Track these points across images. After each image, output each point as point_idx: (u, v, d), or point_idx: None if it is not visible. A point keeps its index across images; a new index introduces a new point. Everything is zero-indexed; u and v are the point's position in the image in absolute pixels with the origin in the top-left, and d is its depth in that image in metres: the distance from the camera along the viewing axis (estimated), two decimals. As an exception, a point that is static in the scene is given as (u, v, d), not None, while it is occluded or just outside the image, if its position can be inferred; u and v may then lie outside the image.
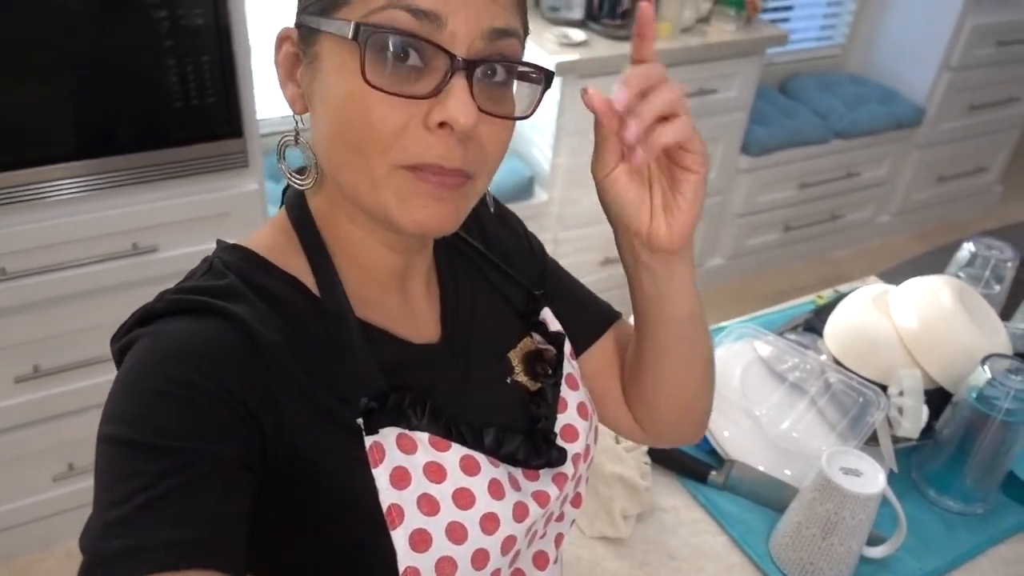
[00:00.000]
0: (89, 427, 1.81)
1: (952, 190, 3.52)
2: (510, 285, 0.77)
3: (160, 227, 1.71)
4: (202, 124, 1.65)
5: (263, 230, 0.67)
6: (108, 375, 1.76)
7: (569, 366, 0.76)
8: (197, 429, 0.52)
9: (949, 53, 3.03)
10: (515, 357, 0.74)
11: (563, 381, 0.74)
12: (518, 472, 0.68)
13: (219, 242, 0.67)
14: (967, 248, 1.29)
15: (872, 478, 0.96)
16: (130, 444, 0.51)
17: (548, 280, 0.81)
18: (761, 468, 1.12)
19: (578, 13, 2.44)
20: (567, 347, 0.77)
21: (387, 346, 0.65)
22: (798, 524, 0.99)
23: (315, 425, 0.59)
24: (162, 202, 1.69)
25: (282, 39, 0.61)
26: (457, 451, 0.64)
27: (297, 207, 0.66)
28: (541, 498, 0.68)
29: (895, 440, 1.13)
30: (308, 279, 0.63)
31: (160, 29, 1.52)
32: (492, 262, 0.76)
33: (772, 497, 1.09)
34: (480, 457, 0.65)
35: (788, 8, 3.16)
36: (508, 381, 0.73)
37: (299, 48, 0.60)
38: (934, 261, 1.58)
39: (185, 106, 1.61)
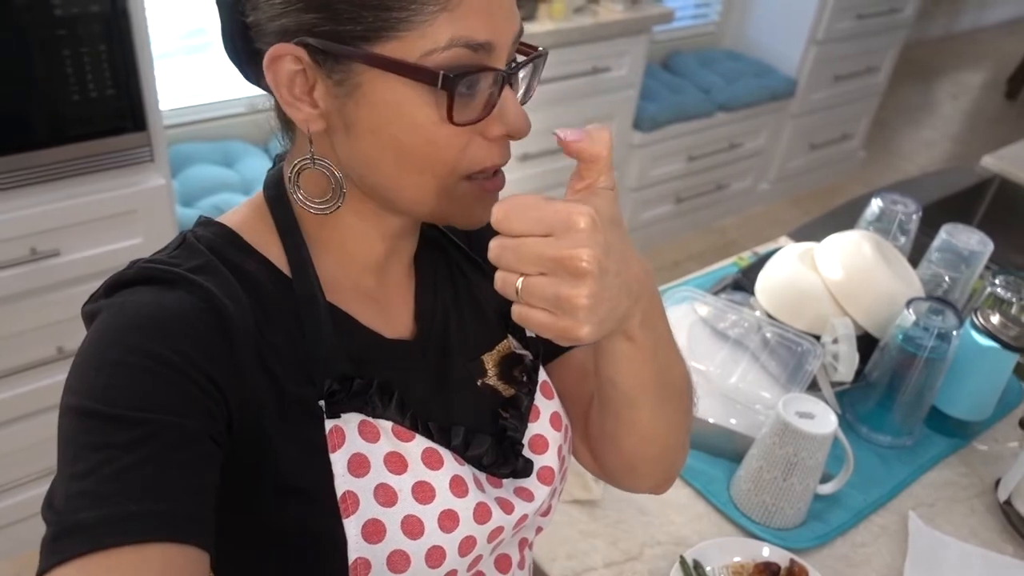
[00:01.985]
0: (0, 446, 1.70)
1: (822, 156, 3.75)
2: (486, 284, 0.72)
3: (61, 229, 1.60)
4: (102, 118, 1.56)
5: (239, 209, 0.66)
6: (15, 389, 1.66)
7: (545, 375, 0.75)
8: (161, 400, 0.51)
9: (815, 27, 3.22)
10: (490, 360, 0.73)
11: (538, 389, 0.73)
12: (482, 476, 0.67)
13: (200, 217, 0.65)
14: (875, 204, 1.39)
15: (824, 419, 1.03)
16: (93, 415, 0.50)
17: None
18: (711, 420, 1.17)
19: None
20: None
21: (356, 335, 0.64)
22: (759, 469, 1.05)
23: (277, 405, 0.58)
24: (62, 202, 1.58)
25: (277, 58, 0.55)
26: (420, 443, 0.63)
27: (274, 188, 0.64)
28: (505, 506, 0.67)
29: (831, 385, 1.21)
30: (279, 260, 0.63)
31: (52, 18, 1.42)
32: (473, 261, 0.75)
33: (727, 447, 1.15)
34: (444, 452, 0.64)
35: (665, -13, 3.27)
36: (479, 384, 0.71)
37: (311, 68, 0.55)
38: (832, 221, 1.69)
39: (83, 99, 1.52)
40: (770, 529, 1.06)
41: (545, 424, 0.72)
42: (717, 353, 1.22)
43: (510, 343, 0.75)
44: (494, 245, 0.52)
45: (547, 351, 0.77)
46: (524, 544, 0.76)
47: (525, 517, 0.69)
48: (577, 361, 0.78)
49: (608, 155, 0.56)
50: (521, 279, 0.51)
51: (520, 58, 0.60)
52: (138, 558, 0.47)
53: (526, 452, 0.70)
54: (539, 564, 1.00)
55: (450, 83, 0.53)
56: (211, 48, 2.30)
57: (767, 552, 1.01)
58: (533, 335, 0.76)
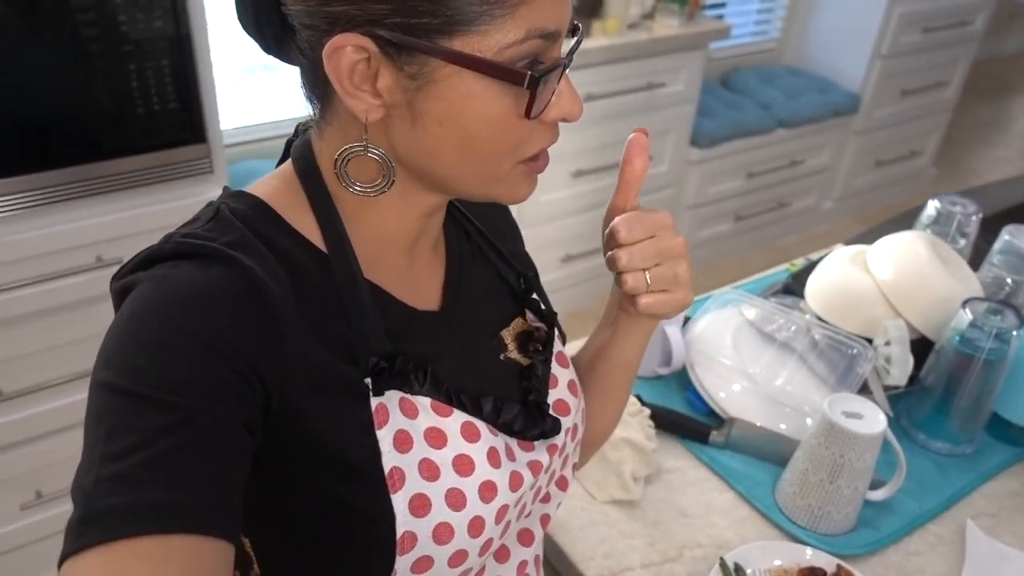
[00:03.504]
0: (59, 451, 1.76)
1: (889, 174, 3.65)
2: (503, 264, 0.78)
3: (125, 238, 1.67)
4: (164, 130, 1.63)
5: (267, 181, 0.64)
6: (77, 395, 1.72)
7: (559, 346, 0.78)
8: (198, 384, 0.51)
9: (880, 41, 3.15)
10: (508, 335, 0.75)
11: (553, 358, 0.76)
12: (513, 442, 0.68)
13: (225, 188, 0.65)
14: (932, 206, 1.34)
15: (873, 419, 0.99)
16: (128, 394, 0.49)
17: (532, 269, 0.84)
18: (757, 424, 1.14)
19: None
20: (555, 332, 0.79)
21: (392, 309, 0.65)
22: (804, 471, 1.02)
23: (320, 384, 0.58)
24: (125, 212, 1.65)
25: (337, 48, 0.54)
26: (458, 417, 0.64)
27: (304, 161, 0.63)
28: (535, 467, 0.69)
29: (883, 389, 1.16)
30: (315, 236, 0.62)
31: (118, 34, 1.49)
32: (488, 240, 0.78)
33: (772, 451, 1.12)
34: (480, 424, 0.65)
35: (722, 5, 3.25)
36: (502, 358, 0.73)
37: (377, 58, 0.54)
38: (892, 228, 1.64)
39: (146, 112, 1.58)
40: (817, 534, 1.02)
41: (564, 390, 0.75)
42: (763, 355, 1.19)
43: (525, 319, 0.77)
44: (621, 254, 0.67)
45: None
46: (546, 520, 0.77)
47: (548, 472, 0.72)
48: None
49: (644, 173, 0.71)
50: (647, 273, 0.68)
51: (569, 43, 0.62)
52: (162, 548, 0.46)
53: (552, 413, 0.72)
54: (575, 563, 0.98)
55: (535, 83, 0.55)
56: (275, 70, 2.37)
57: (810, 555, 0.97)
58: (549, 309, 0.79)
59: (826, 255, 1.40)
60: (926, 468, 1.13)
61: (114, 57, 1.50)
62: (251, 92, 2.33)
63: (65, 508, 1.85)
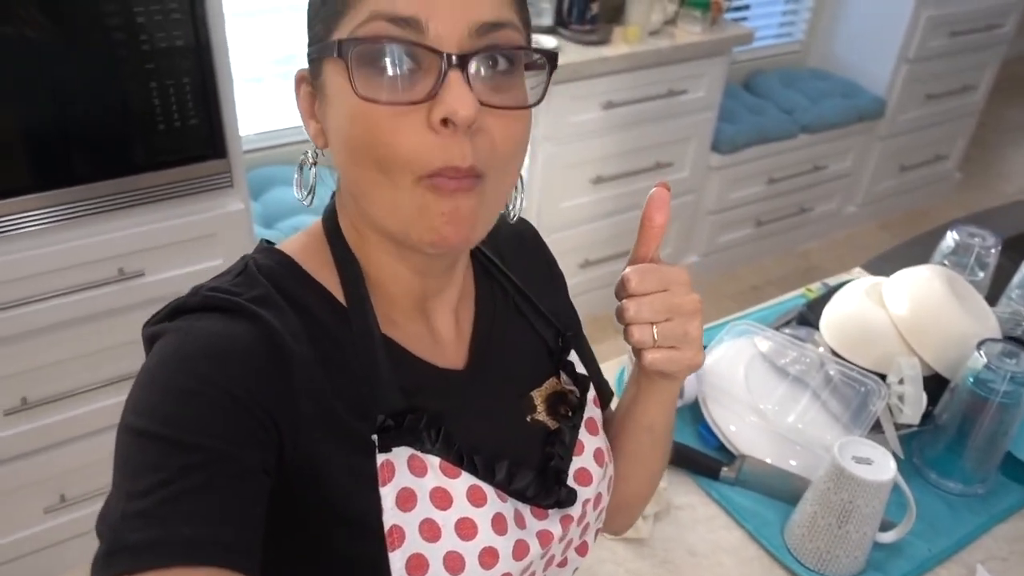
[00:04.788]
0: (82, 456, 1.80)
1: (913, 179, 3.61)
2: (540, 321, 0.77)
3: (146, 251, 1.69)
4: (185, 146, 1.64)
5: (299, 237, 0.68)
6: (99, 402, 1.75)
7: (591, 411, 0.76)
8: (219, 429, 0.53)
9: (906, 45, 3.11)
10: (539, 396, 0.74)
11: (583, 424, 0.74)
12: (526, 509, 0.68)
13: (260, 242, 0.67)
14: (951, 237, 1.33)
15: (883, 465, 0.99)
16: (153, 437, 0.52)
17: (575, 337, 0.81)
18: (768, 460, 1.14)
19: (548, 19, 2.46)
20: (591, 392, 0.77)
21: (409, 366, 0.65)
22: (813, 514, 1.02)
23: (330, 437, 0.59)
24: (147, 226, 1.67)
25: (299, 80, 0.63)
26: (466, 480, 0.64)
27: (331, 220, 0.67)
28: (544, 537, 0.68)
29: (896, 427, 1.16)
30: (336, 291, 0.64)
31: (141, 53, 1.50)
32: (525, 296, 0.77)
33: (783, 489, 1.12)
34: (488, 489, 0.65)
35: (746, 7, 3.22)
36: (528, 419, 0.72)
37: (311, 83, 0.62)
38: (913, 251, 1.63)
39: (168, 129, 1.60)
40: (825, 577, 1.02)
41: (589, 458, 0.73)
42: (776, 390, 1.19)
43: (559, 380, 0.76)
44: (630, 304, 0.66)
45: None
46: None
47: (563, 542, 0.71)
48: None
49: (664, 227, 0.69)
50: (655, 327, 0.66)
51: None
52: None
53: (570, 483, 0.71)
54: (582, 601, 0.99)
55: (344, 49, 0.54)
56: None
57: (818, 602, 0.98)
58: (584, 373, 0.78)
59: (845, 282, 1.39)
60: (937, 508, 1.13)
61: (137, 75, 1.52)
62: (269, 96, 2.34)
63: (87, 511, 1.89)
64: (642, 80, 2.51)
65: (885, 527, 1.05)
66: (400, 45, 0.54)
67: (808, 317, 1.36)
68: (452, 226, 0.57)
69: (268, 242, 0.68)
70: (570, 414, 0.74)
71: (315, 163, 0.65)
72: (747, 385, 1.20)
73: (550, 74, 0.60)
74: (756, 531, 1.08)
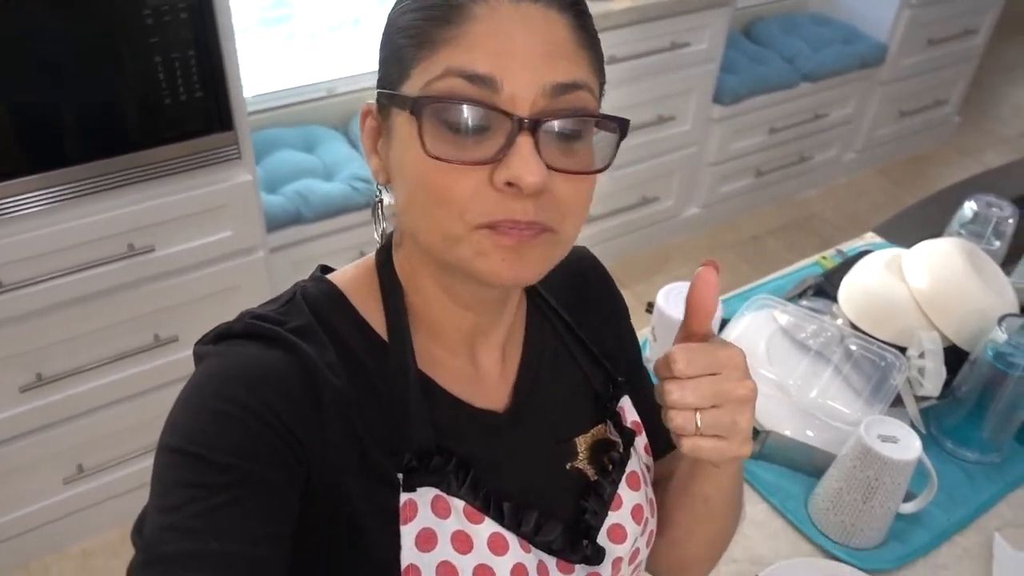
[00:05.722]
0: (97, 428, 1.82)
1: (912, 124, 3.59)
2: (591, 364, 0.75)
3: (155, 226, 1.68)
4: (191, 119, 1.62)
5: (352, 268, 0.68)
6: (113, 375, 1.76)
7: (635, 464, 0.74)
8: (251, 451, 0.55)
9: (909, -11, 3.07)
10: (583, 443, 0.72)
11: (624, 479, 0.72)
12: (552, 561, 0.66)
13: (317, 268, 0.69)
14: (968, 207, 1.34)
15: (908, 444, 1.01)
16: (187, 455, 0.54)
17: (632, 372, 0.79)
18: (790, 434, 1.17)
19: None
20: (640, 442, 0.75)
21: (445, 406, 0.65)
22: (838, 490, 1.04)
23: (356, 472, 0.60)
24: (155, 201, 1.65)
25: (365, 114, 0.63)
26: (489, 526, 0.63)
27: (385, 253, 0.67)
28: None
29: (916, 400, 1.18)
30: (380, 325, 0.64)
31: (145, 26, 1.47)
32: (578, 338, 0.75)
33: (806, 462, 1.14)
34: (511, 538, 0.64)
35: (748, -49, 3.15)
36: (568, 467, 0.71)
37: (378, 119, 0.62)
38: (925, 213, 1.64)
39: (173, 103, 1.58)
40: (848, 548, 1.05)
41: (626, 514, 0.71)
42: (797, 365, 1.21)
43: (606, 428, 0.74)
44: (673, 388, 0.59)
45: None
46: None
47: None
48: (664, 467, 0.81)
49: (713, 309, 0.63)
50: (699, 414, 0.59)
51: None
52: None
53: (602, 539, 0.69)
54: (615, 579, 1.02)
55: (418, 107, 0.54)
56: (293, 32, 2.33)
57: (845, 577, 1.01)
58: (634, 422, 0.76)
59: (858, 251, 1.40)
60: (955, 477, 1.16)
61: (140, 49, 1.49)
62: (271, 56, 2.29)
63: (104, 480, 1.92)
64: (645, 34, 2.48)
65: (906, 498, 1.08)
66: (473, 107, 0.54)
67: (825, 288, 1.37)
68: (512, 265, 0.57)
69: (324, 268, 0.68)
70: (611, 467, 0.71)
71: (380, 201, 0.66)
72: (768, 359, 1.21)
73: (620, 140, 0.59)
74: (781, 504, 1.11)
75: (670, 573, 0.82)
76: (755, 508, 1.11)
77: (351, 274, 0.67)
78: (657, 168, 2.83)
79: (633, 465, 0.73)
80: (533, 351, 0.72)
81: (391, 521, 0.60)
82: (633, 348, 0.82)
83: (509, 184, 0.54)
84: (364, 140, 0.63)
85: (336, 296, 0.65)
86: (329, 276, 0.67)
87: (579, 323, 0.75)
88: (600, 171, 0.59)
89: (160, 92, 1.54)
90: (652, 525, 0.75)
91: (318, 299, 0.64)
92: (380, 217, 0.67)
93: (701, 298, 0.62)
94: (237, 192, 1.73)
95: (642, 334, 1.36)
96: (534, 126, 0.54)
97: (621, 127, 0.59)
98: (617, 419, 0.75)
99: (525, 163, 0.54)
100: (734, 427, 0.60)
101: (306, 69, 2.31)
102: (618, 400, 0.76)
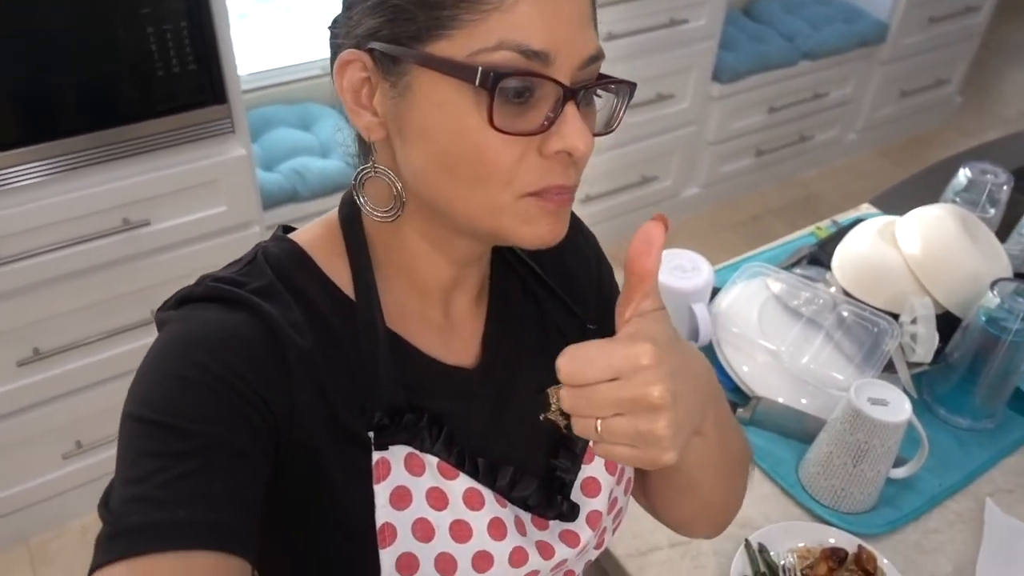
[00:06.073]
0: (95, 403, 1.82)
1: (914, 104, 3.57)
2: (564, 315, 0.75)
3: (150, 200, 1.68)
4: (185, 92, 1.61)
5: (314, 226, 0.67)
6: (110, 350, 1.76)
7: None
8: (215, 415, 0.54)
9: (910, -33, 3.04)
10: (555, 394, 0.71)
11: None
12: (527, 517, 0.67)
13: (278, 228, 0.67)
14: (963, 174, 1.33)
15: (898, 406, 1.01)
16: (152, 424, 0.53)
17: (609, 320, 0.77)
18: (781, 401, 1.17)
19: None
20: None
21: (414, 363, 0.65)
22: (828, 454, 1.04)
23: (327, 431, 0.59)
24: (149, 175, 1.65)
25: (346, 63, 0.58)
26: (464, 481, 0.63)
27: (348, 208, 0.65)
28: (544, 550, 0.66)
29: (908, 366, 1.18)
30: (345, 282, 0.63)
31: (136, -4, 1.46)
32: (549, 287, 0.74)
33: (797, 428, 1.14)
34: (487, 492, 0.64)
35: (748, -72, 3.13)
36: (542, 418, 0.70)
37: (375, 73, 0.58)
38: (921, 185, 1.63)
39: (166, 75, 1.57)
40: (839, 513, 1.05)
41: (599, 467, 0.71)
42: (789, 331, 1.21)
43: None
44: (566, 395, 0.52)
45: None
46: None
47: (565, 561, 0.69)
48: None
49: (656, 272, 0.54)
50: (599, 421, 0.51)
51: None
52: (183, 564, 0.49)
53: (576, 495, 0.69)
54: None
55: (490, 81, 0.52)
56: (287, 10, 2.32)
57: (834, 540, 1.01)
58: None
59: (853, 220, 1.40)
60: (947, 443, 1.16)
61: (132, 20, 1.48)
62: (267, 34, 2.29)
63: (102, 456, 1.92)
64: (642, 10, 2.46)
65: (897, 463, 1.08)
66: (535, 79, 0.54)
67: (819, 256, 1.37)
68: (554, 231, 0.59)
69: (285, 229, 0.67)
70: None
71: (375, 168, 0.62)
72: (760, 327, 1.21)
73: (628, 101, 0.61)
74: (771, 470, 1.11)
75: (677, 527, 0.82)
76: (746, 473, 1.11)
77: (314, 232, 0.66)
78: (656, 147, 2.82)
79: None
80: (499, 302, 0.72)
81: (364, 480, 0.60)
82: (609, 289, 0.80)
83: (559, 152, 0.56)
84: (345, 93, 0.59)
85: (299, 255, 0.63)
86: (291, 235, 0.66)
87: (548, 271, 0.75)
88: (610, 131, 0.62)
89: (153, 64, 1.54)
90: (630, 473, 0.75)
91: (280, 259, 0.62)
92: (392, 182, 0.62)
93: (638, 256, 0.53)
94: (231, 166, 1.73)
95: (635, 303, 1.36)
96: (575, 94, 0.55)
97: (631, 90, 0.61)
98: None
99: (580, 133, 0.55)
100: (647, 436, 0.51)
101: (301, 47, 2.30)
102: None
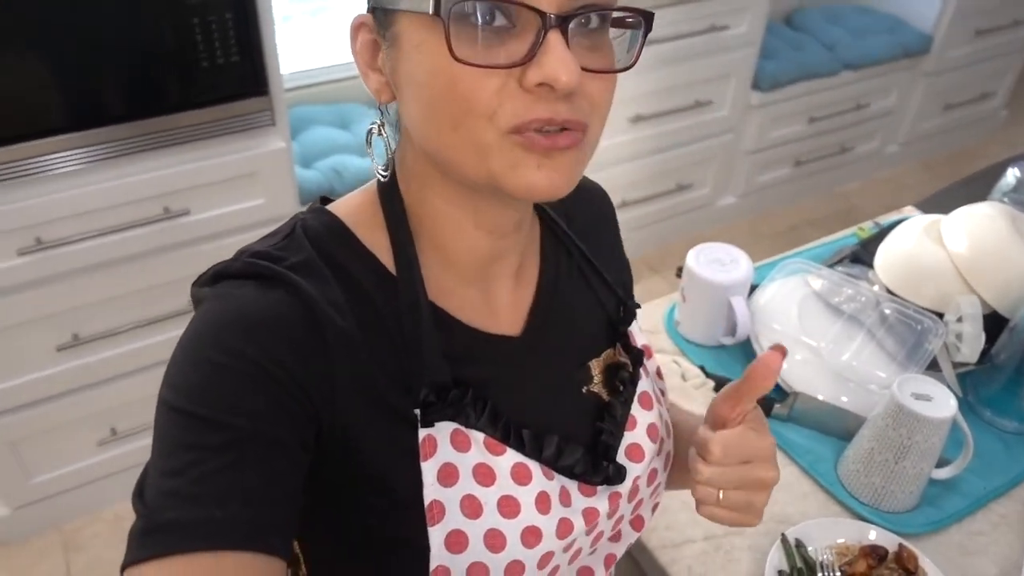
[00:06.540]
0: (131, 392, 1.84)
1: (958, 117, 3.51)
2: (604, 289, 0.75)
3: (191, 190, 1.70)
4: (227, 84, 1.63)
5: (352, 197, 0.65)
6: (148, 339, 1.78)
7: (646, 384, 0.74)
8: (252, 406, 0.52)
9: (956, -22, 3.00)
10: (596, 367, 0.72)
11: (636, 399, 0.72)
12: (573, 485, 0.66)
13: (317, 200, 0.66)
14: (1012, 174, 1.30)
15: (943, 402, 0.98)
16: (185, 414, 0.52)
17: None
18: (820, 397, 1.14)
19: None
20: (653, 365, 0.76)
21: (457, 334, 0.63)
22: (870, 450, 1.02)
23: (370, 411, 0.58)
24: (190, 164, 1.67)
25: (356, 27, 0.58)
26: (511, 457, 0.62)
27: (388, 178, 0.63)
28: (589, 514, 0.66)
29: (953, 366, 1.15)
30: (386, 256, 0.61)
31: (183, -13, 1.49)
32: (590, 261, 0.74)
33: (836, 425, 1.12)
34: (534, 466, 0.63)
35: (791, -62, 3.11)
36: (584, 391, 0.70)
37: (376, 34, 0.57)
38: (966, 191, 1.59)
39: (210, 66, 1.59)
40: (879, 512, 1.03)
41: (642, 434, 0.71)
42: (829, 328, 1.18)
43: (616, 351, 0.74)
44: (703, 469, 0.65)
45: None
46: (612, 560, 0.75)
47: (601, 534, 0.69)
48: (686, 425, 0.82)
49: (769, 391, 0.66)
50: (722, 492, 0.65)
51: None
52: (215, 564, 0.49)
53: (621, 459, 0.69)
54: (637, 533, 1.01)
55: (443, 6, 0.50)
56: (329, 12, 2.35)
57: (874, 535, 0.98)
58: (642, 344, 0.76)
59: (896, 221, 1.37)
60: (992, 446, 1.12)
61: (178, 11, 1.51)
62: (309, 35, 2.32)
63: (137, 444, 1.94)
64: (684, 15, 2.45)
65: (940, 464, 1.05)
66: (504, 3, 0.50)
67: (861, 255, 1.34)
68: (551, 180, 0.55)
69: (324, 199, 0.66)
70: (621, 388, 0.71)
71: (381, 125, 0.61)
72: (800, 323, 1.19)
73: (646, 34, 0.56)
74: (810, 467, 1.08)
75: None
76: (784, 471, 1.09)
77: (353, 203, 0.64)
78: (693, 154, 2.80)
79: (644, 386, 0.73)
80: (549, 276, 0.71)
81: (410, 459, 0.58)
82: (629, 281, 0.82)
83: (540, 85, 0.51)
84: (358, 58, 0.59)
85: (339, 228, 0.61)
86: (329, 207, 0.64)
87: (591, 250, 0.74)
88: (626, 69, 0.56)
89: (197, 55, 1.56)
90: (668, 446, 0.75)
91: (320, 233, 0.60)
92: (388, 143, 0.62)
93: (760, 377, 0.64)
94: (270, 159, 1.75)
95: (671, 298, 1.35)
96: (564, 23, 0.51)
97: (647, 21, 0.56)
98: (626, 341, 0.74)
99: (561, 62, 0.50)
100: (749, 507, 0.67)
101: (341, 48, 2.33)
102: (628, 324, 0.76)
